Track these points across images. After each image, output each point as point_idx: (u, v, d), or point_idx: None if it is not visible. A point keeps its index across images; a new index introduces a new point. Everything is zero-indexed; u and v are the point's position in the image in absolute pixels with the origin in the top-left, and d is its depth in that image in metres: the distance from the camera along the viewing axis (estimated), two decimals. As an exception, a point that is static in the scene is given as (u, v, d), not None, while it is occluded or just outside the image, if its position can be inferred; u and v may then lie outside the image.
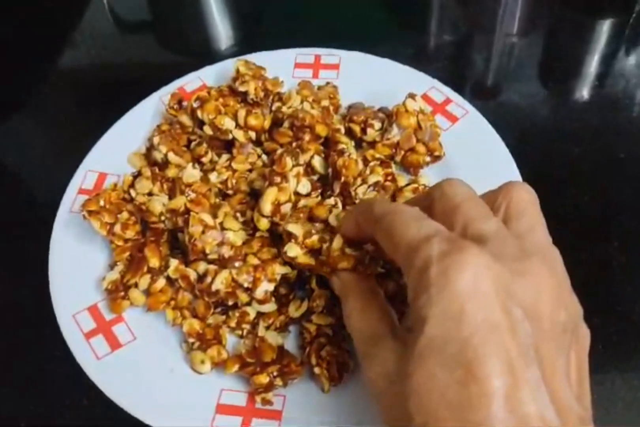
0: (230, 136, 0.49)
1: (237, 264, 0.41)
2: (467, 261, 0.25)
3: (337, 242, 0.37)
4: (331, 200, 0.44)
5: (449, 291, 0.24)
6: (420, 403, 0.24)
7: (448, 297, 0.24)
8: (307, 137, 0.48)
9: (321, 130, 0.49)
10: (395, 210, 0.30)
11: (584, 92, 0.61)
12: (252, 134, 0.50)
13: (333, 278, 0.37)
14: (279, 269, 0.41)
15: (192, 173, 0.46)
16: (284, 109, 0.51)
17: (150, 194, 0.47)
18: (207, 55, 0.66)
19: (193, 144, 0.51)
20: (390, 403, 0.27)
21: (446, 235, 0.27)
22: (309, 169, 0.47)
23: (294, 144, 0.47)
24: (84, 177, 0.51)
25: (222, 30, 0.72)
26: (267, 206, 0.43)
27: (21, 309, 0.49)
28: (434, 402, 0.24)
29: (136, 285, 0.44)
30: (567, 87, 0.62)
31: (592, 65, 0.63)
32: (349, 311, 0.34)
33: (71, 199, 0.50)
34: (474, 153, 0.51)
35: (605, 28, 0.66)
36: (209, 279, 0.41)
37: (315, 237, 0.39)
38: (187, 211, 0.44)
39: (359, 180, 0.45)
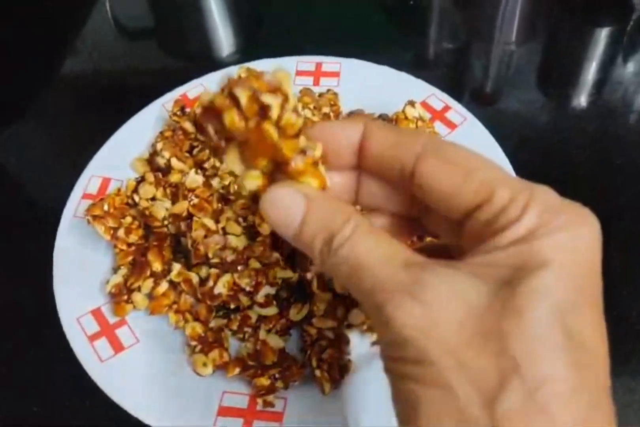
0: (233, 142, 0.50)
1: (239, 267, 0.41)
2: (592, 218, 0.23)
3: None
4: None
5: (584, 241, 0.22)
6: (526, 343, 0.20)
7: (583, 246, 0.21)
8: (308, 143, 0.49)
9: (322, 136, 0.49)
10: (455, 143, 0.25)
11: (582, 100, 0.62)
12: (254, 140, 0.51)
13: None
14: (280, 273, 0.42)
15: (194, 178, 0.47)
16: (286, 115, 0.52)
17: (153, 199, 0.47)
18: (210, 62, 0.67)
19: (195, 149, 0.52)
20: (475, 338, 0.20)
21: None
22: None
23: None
24: (88, 182, 0.52)
25: (224, 38, 0.73)
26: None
27: (25, 312, 0.49)
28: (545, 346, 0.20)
29: (139, 289, 0.45)
30: (565, 94, 0.62)
31: (590, 72, 0.64)
32: (353, 232, 0.23)
33: (75, 204, 0.51)
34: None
35: (603, 36, 0.67)
36: (211, 283, 0.41)
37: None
38: (190, 216, 0.44)
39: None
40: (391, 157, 0.25)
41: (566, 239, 0.21)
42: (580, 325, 0.21)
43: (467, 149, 0.24)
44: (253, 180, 0.24)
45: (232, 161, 0.25)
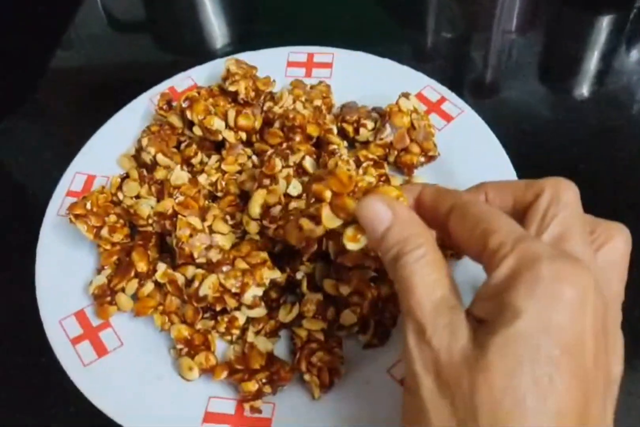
0: (220, 137, 0.48)
1: (225, 268, 0.40)
2: (581, 275, 0.24)
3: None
4: (322, 202, 0.43)
5: (558, 294, 0.24)
6: (492, 398, 0.23)
7: (556, 299, 0.23)
8: (298, 137, 0.47)
9: (312, 130, 0.48)
10: (478, 201, 0.30)
11: (584, 89, 0.60)
12: (243, 135, 0.49)
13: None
14: (267, 274, 0.40)
15: (180, 175, 0.45)
16: (276, 109, 0.50)
17: (138, 196, 0.46)
18: (201, 54, 0.65)
19: (183, 145, 0.50)
20: (447, 382, 0.24)
21: (553, 241, 0.27)
22: (300, 170, 0.45)
23: (284, 145, 0.46)
24: (72, 179, 0.51)
25: (216, 30, 0.71)
26: (255, 209, 0.42)
27: (7, 314, 0.48)
28: (509, 401, 0.23)
29: (123, 290, 0.43)
30: (566, 84, 0.61)
31: (592, 62, 0.62)
32: (418, 259, 0.27)
33: (59, 202, 0.49)
34: (469, 152, 0.49)
35: (605, 24, 0.65)
36: (196, 284, 0.40)
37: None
38: (175, 214, 0.43)
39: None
40: (434, 209, 0.30)
41: (542, 292, 0.23)
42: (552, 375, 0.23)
43: (485, 206, 0.29)
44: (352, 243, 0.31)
45: (328, 219, 0.31)
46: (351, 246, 0.31)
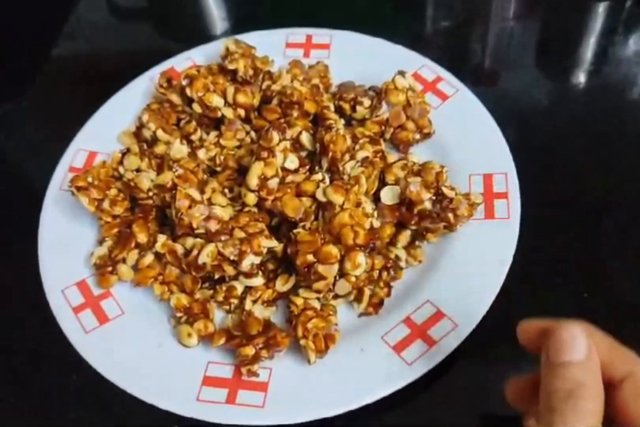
0: (219, 114, 0.49)
1: (223, 237, 0.41)
2: None
3: None
4: (319, 176, 0.44)
5: None
6: None
7: None
8: (295, 113, 0.48)
9: (310, 106, 0.49)
10: None
11: (581, 76, 0.60)
12: (242, 112, 0.50)
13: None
14: (264, 242, 0.41)
15: (179, 149, 0.46)
16: (274, 87, 0.51)
17: (138, 170, 0.47)
18: (200, 38, 0.66)
19: (182, 122, 0.51)
20: None
21: None
22: (297, 145, 0.46)
23: (282, 120, 0.47)
24: (74, 156, 0.52)
25: (217, 13, 0.72)
26: (253, 180, 0.43)
27: (10, 284, 0.49)
28: None
29: (124, 260, 0.44)
30: (564, 70, 0.61)
31: (589, 48, 0.63)
32: (587, 411, 0.27)
33: (61, 177, 0.50)
34: (464, 130, 0.50)
35: (602, 11, 0.65)
36: (195, 252, 0.41)
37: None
38: (175, 187, 0.44)
39: (347, 156, 0.45)
40: (604, 365, 0.28)
41: None
42: None
43: None
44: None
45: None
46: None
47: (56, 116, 0.63)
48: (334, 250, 0.39)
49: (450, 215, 0.43)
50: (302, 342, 0.40)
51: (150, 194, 0.45)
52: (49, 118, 0.63)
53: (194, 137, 0.50)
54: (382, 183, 0.46)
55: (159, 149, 0.48)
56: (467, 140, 0.50)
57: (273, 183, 0.43)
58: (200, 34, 0.69)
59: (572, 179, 0.51)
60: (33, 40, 0.70)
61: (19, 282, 0.48)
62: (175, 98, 0.51)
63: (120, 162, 0.47)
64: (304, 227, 0.42)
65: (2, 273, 0.50)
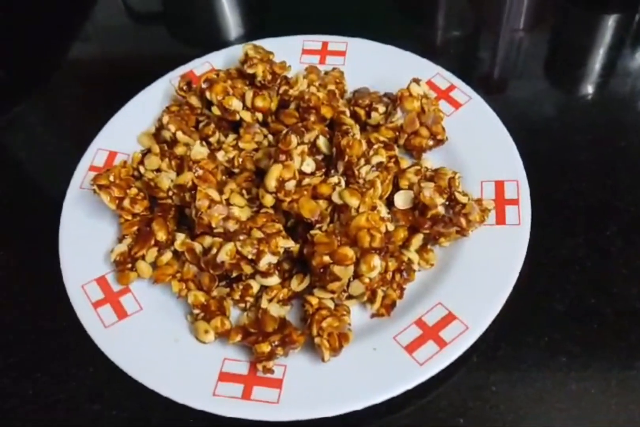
0: (238, 117, 0.51)
1: (241, 237, 0.42)
2: None
3: None
4: (334, 179, 0.45)
5: None
6: None
7: None
8: (312, 117, 0.49)
9: (326, 111, 0.50)
10: None
11: (589, 87, 0.62)
12: (259, 116, 0.51)
13: None
14: (282, 243, 0.42)
15: (199, 150, 0.47)
16: (291, 91, 0.52)
17: (158, 170, 0.48)
18: (217, 43, 0.67)
19: (201, 124, 0.52)
20: None
21: None
22: (314, 149, 0.47)
23: (299, 124, 0.48)
24: (94, 155, 0.53)
25: (232, 19, 0.73)
26: (272, 182, 0.44)
27: (31, 280, 0.50)
28: None
29: (143, 257, 0.45)
30: (573, 81, 0.62)
31: (598, 60, 0.64)
32: None
33: (82, 176, 0.52)
34: (476, 138, 0.51)
35: (610, 23, 0.66)
36: (214, 251, 0.42)
37: None
38: (194, 187, 0.45)
39: (362, 161, 0.46)
40: None
41: None
42: None
43: None
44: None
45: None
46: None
47: (71, 118, 0.64)
48: (349, 252, 0.41)
49: (463, 220, 0.44)
50: (317, 340, 0.41)
51: (170, 193, 0.46)
52: (64, 120, 0.65)
53: (212, 140, 0.51)
54: (395, 188, 0.47)
55: (178, 150, 0.49)
56: (479, 148, 0.51)
57: (290, 185, 0.44)
58: (215, 40, 0.70)
59: (579, 186, 0.53)
60: (50, 43, 0.71)
61: (40, 277, 0.49)
62: (194, 101, 0.52)
63: (141, 162, 0.49)
64: (320, 229, 0.43)
65: (25, 269, 0.51)
